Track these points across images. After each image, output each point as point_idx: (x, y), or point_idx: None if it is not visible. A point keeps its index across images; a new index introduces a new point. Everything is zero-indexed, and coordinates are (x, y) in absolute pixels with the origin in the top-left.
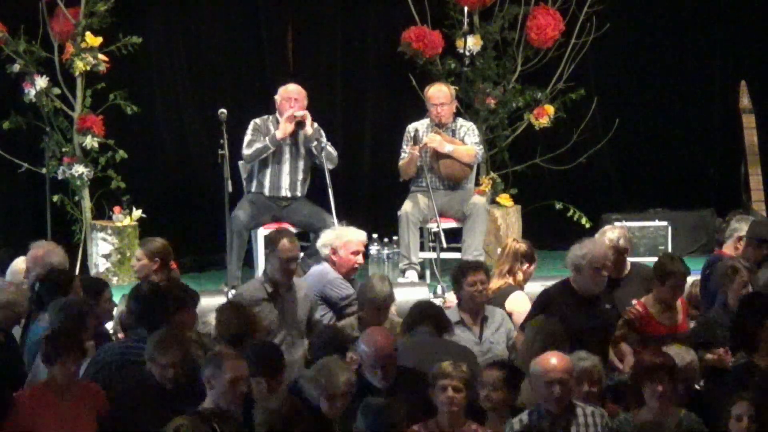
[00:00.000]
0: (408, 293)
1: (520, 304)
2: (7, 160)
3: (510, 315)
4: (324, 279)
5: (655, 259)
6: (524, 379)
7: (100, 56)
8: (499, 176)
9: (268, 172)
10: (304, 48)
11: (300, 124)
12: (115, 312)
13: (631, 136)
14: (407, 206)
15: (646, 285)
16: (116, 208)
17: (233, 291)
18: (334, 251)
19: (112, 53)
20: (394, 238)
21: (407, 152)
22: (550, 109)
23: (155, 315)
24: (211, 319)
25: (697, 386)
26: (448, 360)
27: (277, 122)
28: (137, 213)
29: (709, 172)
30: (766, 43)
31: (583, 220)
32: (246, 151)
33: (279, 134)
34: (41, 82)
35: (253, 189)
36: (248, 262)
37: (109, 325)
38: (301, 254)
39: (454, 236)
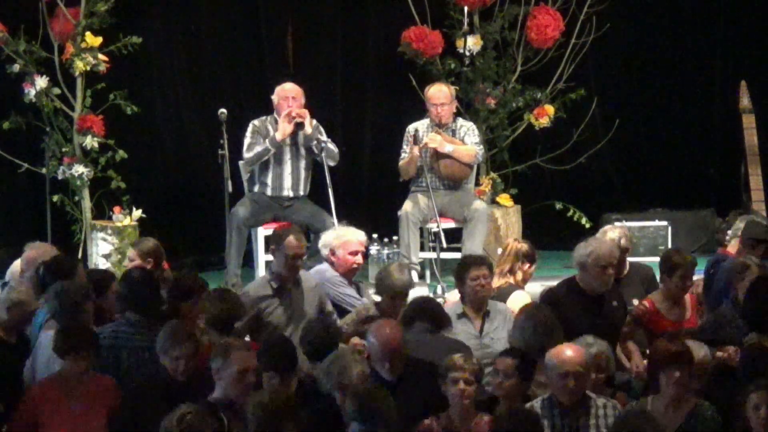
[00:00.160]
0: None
1: (521, 303)
2: (7, 160)
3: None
4: (322, 277)
5: (655, 259)
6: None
7: (100, 56)
8: (499, 176)
9: (270, 173)
10: (304, 48)
11: (299, 124)
12: None
13: (631, 136)
14: (407, 206)
15: (646, 284)
16: (116, 208)
17: (232, 288)
18: (333, 252)
19: (112, 53)
20: (394, 238)
21: (407, 152)
22: (550, 109)
23: (145, 299)
24: None
25: None
26: (444, 356)
27: (276, 122)
28: (137, 213)
29: (709, 172)
30: (766, 43)
31: (583, 220)
32: (246, 155)
33: (278, 135)
34: (41, 82)
35: (256, 189)
36: (248, 262)
37: None
38: None
39: (455, 236)
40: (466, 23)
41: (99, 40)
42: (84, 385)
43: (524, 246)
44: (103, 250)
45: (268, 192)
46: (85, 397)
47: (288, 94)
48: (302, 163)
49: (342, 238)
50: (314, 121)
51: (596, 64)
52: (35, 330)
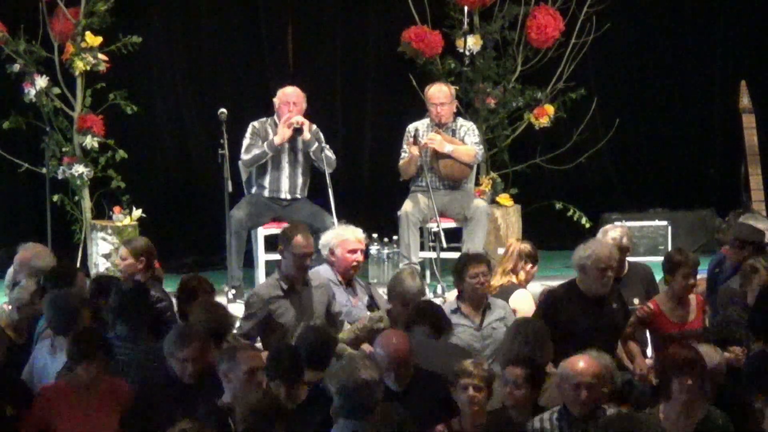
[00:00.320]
0: None
1: (524, 302)
2: (7, 160)
3: (513, 312)
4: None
5: (655, 258)
6: (548, 378)
7: (100, 56)
8: (499, 176)
9: (268, 176)
10: (304, 48)
11: (298, 130)
12: None
13: (631, 136)
14: (407, 206)
15: (645, 284)
16: (116, 208)
17: (234, 291)
18: (332, 251)
19: (112, 53)
20: (394, 238)
21: (407, 152)
22: (550, 109)
23: (134, 312)
24: None
25: None
26: (443, 361)
27: (276, 125)
28: (137, 213)
29: (709, 172)
30: (766, 43)
31: (583, 220)
32: (244, 156)
33: (277, 140)
34: (41, 82)
35: (253, 191)
36: (248, 262)
37: None
38: None
39: (455, 236)
40: (466, 23)
41: (99, 40)
42: (96, 387)
43: (527, 246)
44: (103, 250)
45: (266, 194)
46: (98, 400)
47: (289, 98)
48: (300, 168)
49: (340, 236)
50: (314, 126)
51: (596, 64)
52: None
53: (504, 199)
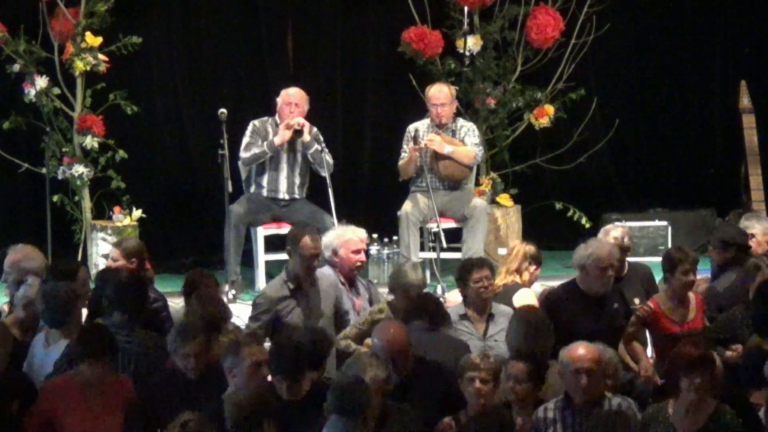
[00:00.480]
0: None
1: (527, 301)
2: (7, 160)
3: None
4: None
5: (655, 259)
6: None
7: (100, 56)
8: (499, 176)
9: (266, 176)
10: (304, 48)
11: (298, 131)
12: None
13: (631, 136)
14: (407, 206)
15: (645, 284)
16: (116, 208)
17: (233, 290)
18: (335, 252)
19: (112, 53)
20: (394, 238)
21: (407, 152)
22: (550, 109)
23: (132, 300)
24: None
25: None
26: (442, 354)
27: (276, 125)
28: (137, 213)
29: (709, 172)
30: (766, 43)
31: (583, 220)
32: (243, 155)
33: (277, 140)
34: (41, 82)
35: (252, 190)
36: (248, 262)
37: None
38: None
39: (455, 236)
40: (466, 23)
41: (99, 40)
42: (101, 384)
43: (532, 248)
44: (103, 250)
45: (264, 193)
46: (102, 396)
47: (291, 100)
48: (298, 170)
49: (343, 237)
50: (314, 129)
51: (596, 64)
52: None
53: (504, 199)
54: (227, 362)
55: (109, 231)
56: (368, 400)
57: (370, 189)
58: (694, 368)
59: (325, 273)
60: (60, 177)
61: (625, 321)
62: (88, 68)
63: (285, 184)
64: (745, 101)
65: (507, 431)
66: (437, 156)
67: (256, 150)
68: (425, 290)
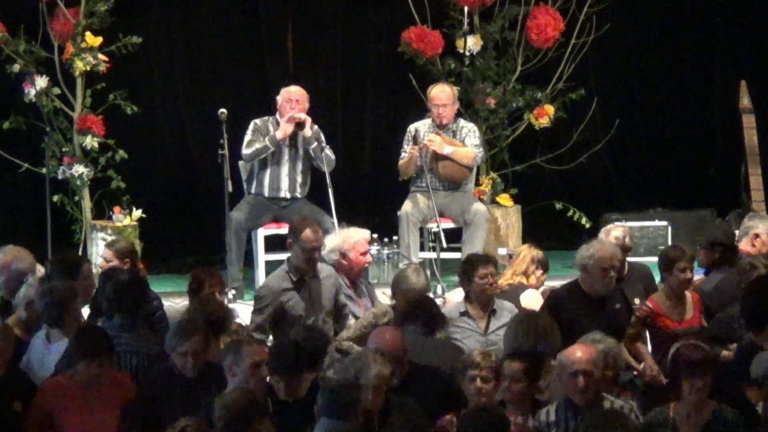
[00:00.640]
0: None
1: (533, 301)
2: (7, 160)
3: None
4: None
5: (655, 259)
6: (546, 372)
7: (100, 56)
8: (499, 176)
9: (267, 173)
10: (304, 48)
11: (299, 125)
12: None
13: (631, 136)
14: (407, 206)
15: (645, 283)
16: (116, 208)
17: (233, 291)
18: (344, 255)
19: (112, 53)
20: (394, 238)
21: (407, 152)
22: (550, 109)
23: (132, 302)
24: None
25: None
26: (437, 359)
27: (277, 123)
28: (137, 213)
29: (709, 172)
30: (766, 43)
31: (583, 220)
32: (245, 151)
33: (279, 135)
34: (41, 82)
35: (253, 190)
36: (248, 262)
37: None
38: None
39: (454, 236)
40: (466, 23)
41: (99, 40)
42: (99, 383)
43: (540, 253)
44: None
45: (265, 192)
46: (101, 396)
47: (292, 96)
48: (300, 166)
49: (350, 240)
50: (315, 127)
51: (596, 64)
52: None
53: (504, 199)
54: (228, 360)
55: (109, 231)
56: (359, 402)
57: (370, 189)
58: (696, 371)
59: (325, 266)
60: (60, 177)
61: (627, 321)
62: (88, 68)
63: (287, 181)
64: (745, 101)
65: (501, 430)
66: (437, 156)
67: (258, 145)
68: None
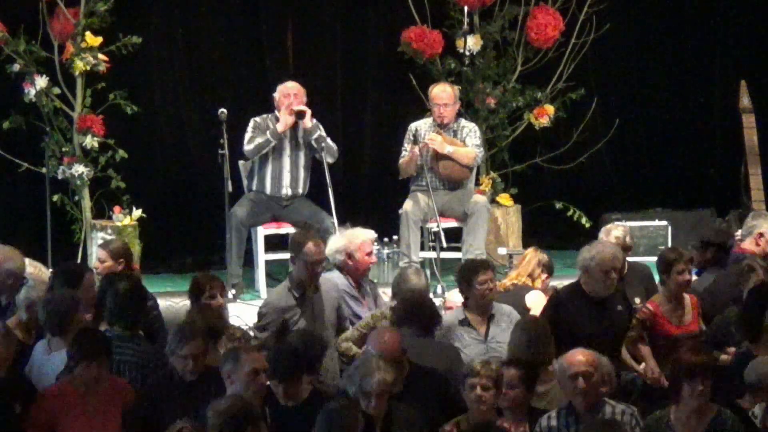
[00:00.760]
0: None
1: (537, 302)
2: (7, 160)
3: (528, 311)
4: (335, 288)
5: (655, 258)
6: (544, 378)
7: (100, 56)
8: (499, 176)
9: (269, 169)
10: (304, 48)
11: (300, 115)
12: None
13: (631, 136)
14: (408, 205)
15: (644, 283)
16: (116, 208)
17: (233, 291)
18: (350, 255)
19: (112, 53)
20: (395, 237)
21: (408, 151)
22: (550, 109)
23: (132, 312)
24: None
25: None
26: (433, 360)
27: (277, 120)
28: (137, 213)
29: (709, 172)
30: (766, 43)
31: (583, 220)
32: (247, 147)
33: (280, 127)
34: (41, 82)
35: (254, 187)
36: (248, 262)
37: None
38: None
39: (455, 236)
40: (466, 23)
41: (99, 40)
42: (98, 388)
43: (545, 257)
44: None
45: (267, 190)
46: (100, 400)
47: (290, 91)
48: (301, 161)
49: (356, 241)
50: (314, 120)
51: (596, 64)
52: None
53: (504, 199)
54: (226, 367)
55: (109, 231)
56: (357, 425)
57: (370, 188)
58: (696, 375)
59: (326, 278)
60: (60, 177)
61: (628, 322)
62: (88, 68)
63: (288, 177)
64: (745, 101)
65: None
66: (437, 156)
67: (260, 140)
68: (415, 295)
